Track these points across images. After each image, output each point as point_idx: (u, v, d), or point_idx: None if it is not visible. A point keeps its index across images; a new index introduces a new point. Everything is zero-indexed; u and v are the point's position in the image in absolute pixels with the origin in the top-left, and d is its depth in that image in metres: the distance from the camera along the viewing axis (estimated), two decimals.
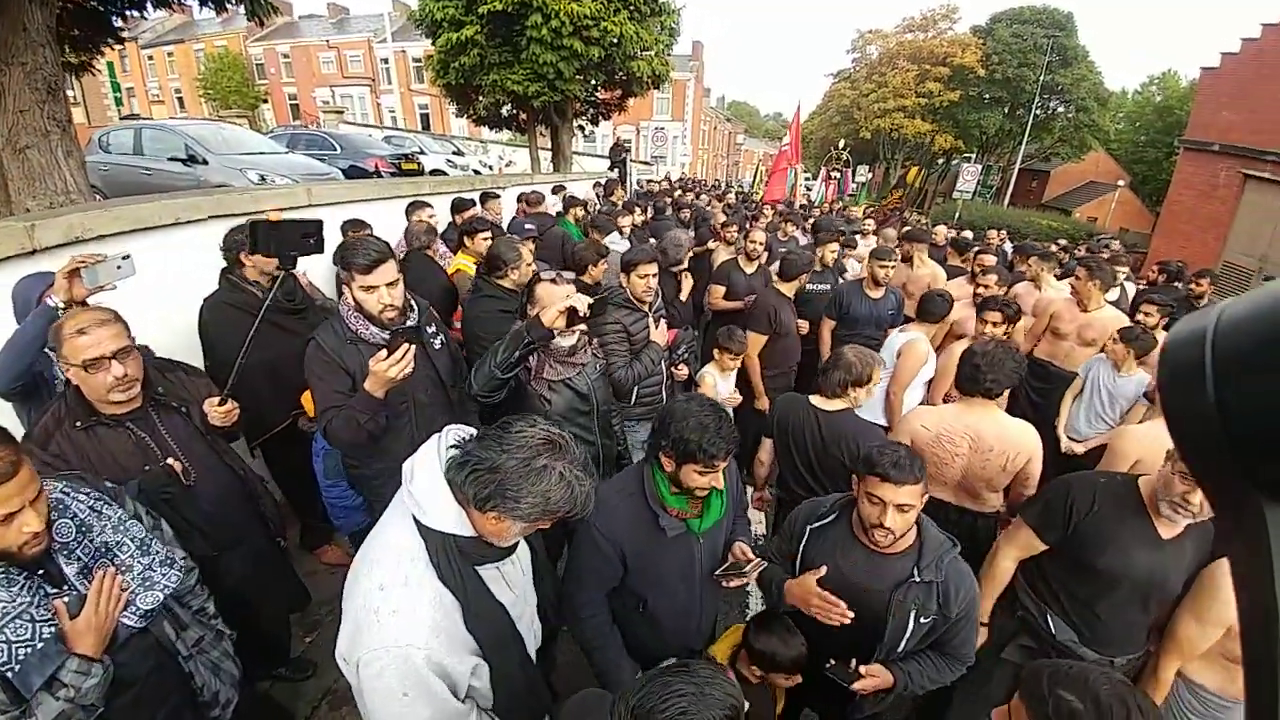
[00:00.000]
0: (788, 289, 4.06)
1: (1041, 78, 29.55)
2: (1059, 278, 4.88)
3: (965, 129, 33.47)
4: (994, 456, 2.43)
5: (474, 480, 1.20)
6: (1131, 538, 1.90)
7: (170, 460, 1.90)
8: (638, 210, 7.07)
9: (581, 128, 14.19)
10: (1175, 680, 1.94)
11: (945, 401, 3.30)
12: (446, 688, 1.25)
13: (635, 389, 2.96)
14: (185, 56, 39.21)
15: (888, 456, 1.64)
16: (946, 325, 4.08)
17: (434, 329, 2.37)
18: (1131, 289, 5.94)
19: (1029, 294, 4.57)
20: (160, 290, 2.98)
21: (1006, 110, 32.92)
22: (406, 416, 2.25)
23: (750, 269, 4.84)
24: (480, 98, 11.73)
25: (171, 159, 7.76)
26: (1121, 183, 29.28)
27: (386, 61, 33.64)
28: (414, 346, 1.95)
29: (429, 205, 4.72)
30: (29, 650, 1.25)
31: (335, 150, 10.85)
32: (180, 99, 40.03)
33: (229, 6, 5.56)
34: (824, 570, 1.75)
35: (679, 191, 12.96)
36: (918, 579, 1.69)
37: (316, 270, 3.96)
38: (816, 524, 1.89)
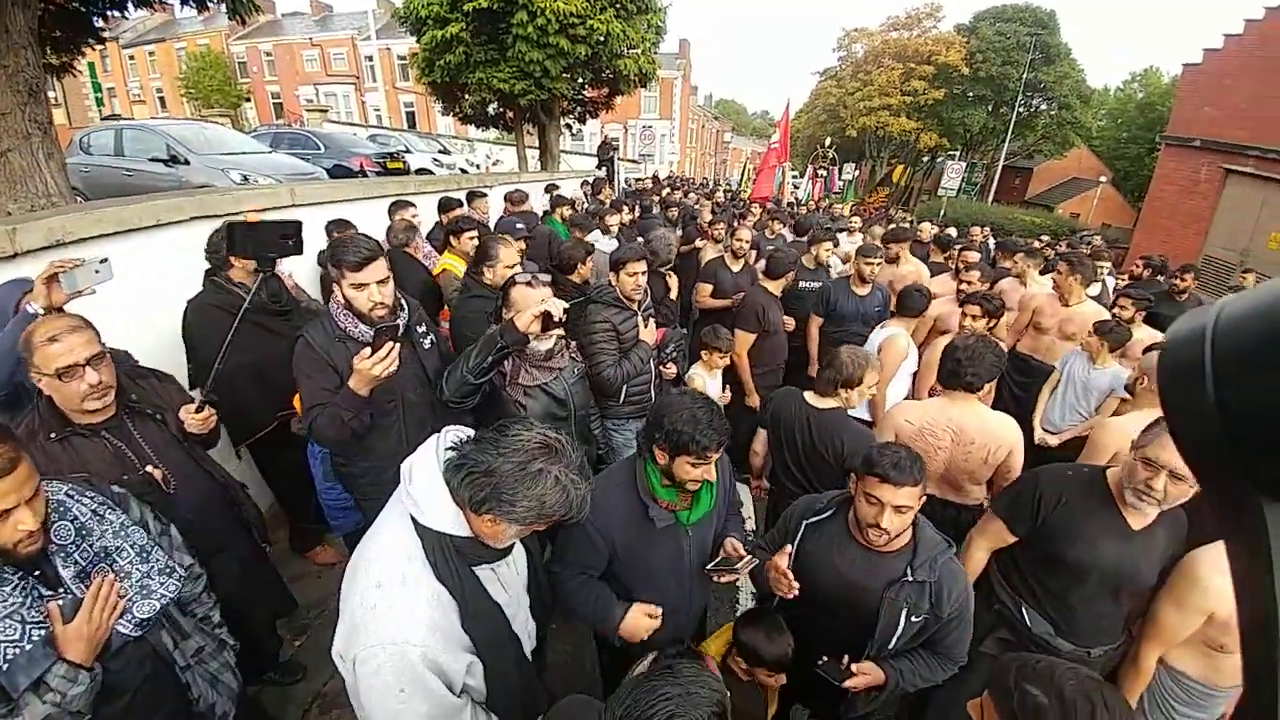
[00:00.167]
0: (774, 287, 4.08)
1: (1025, 75, 29.88)
2: (1042, 273, 4.94)
3: (950, 127, 33.74)
4: (975, 449, 2.47)
5: (470, 483, 1.21)
6: (1099, 529, 1.91)
7: (150, 468, 1.88)
8: (625, 209, 7.07)
9: (569, 126, 14.14)
10: (1157, 668, 1.95)
11: (930, 396, 3.34)
12: (443, 685, 1.26)
13: (624, 388, 2.97)
14: (167, 55, 38.61)
15: (888, 457, 1.65)
16: (929, 321, 4.14)
17: (424, 328, 2.36)
18: (1112, 284, 6.04)
19: (1014, 290, 4.63)
20: (143, 292, 2.95)
21: (990, 108, 33.22)
22: (395, 415, 2.24)
23: (737, 267, 4.86)
24: (466, 96, 11.66)
25: (153, 159, 7.66)
26: (1104, 179, 29.70)
27: (371, 59, 33.27)
28: (398, 345, 1.93)
29: (412, 205, 4.70)
30: (17, 651, 1.24)
31: (319, 149, 10.74)
32: (162, 98, 39.45)
33: (210, 5, 5.49)
34: (789, 549, 1.79)
35: (667, 190, 12.96)
36: (911, 578, 1.71)
37: (302, 273, 3.93)
38: (813, 519, 1.91)
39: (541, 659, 1.76)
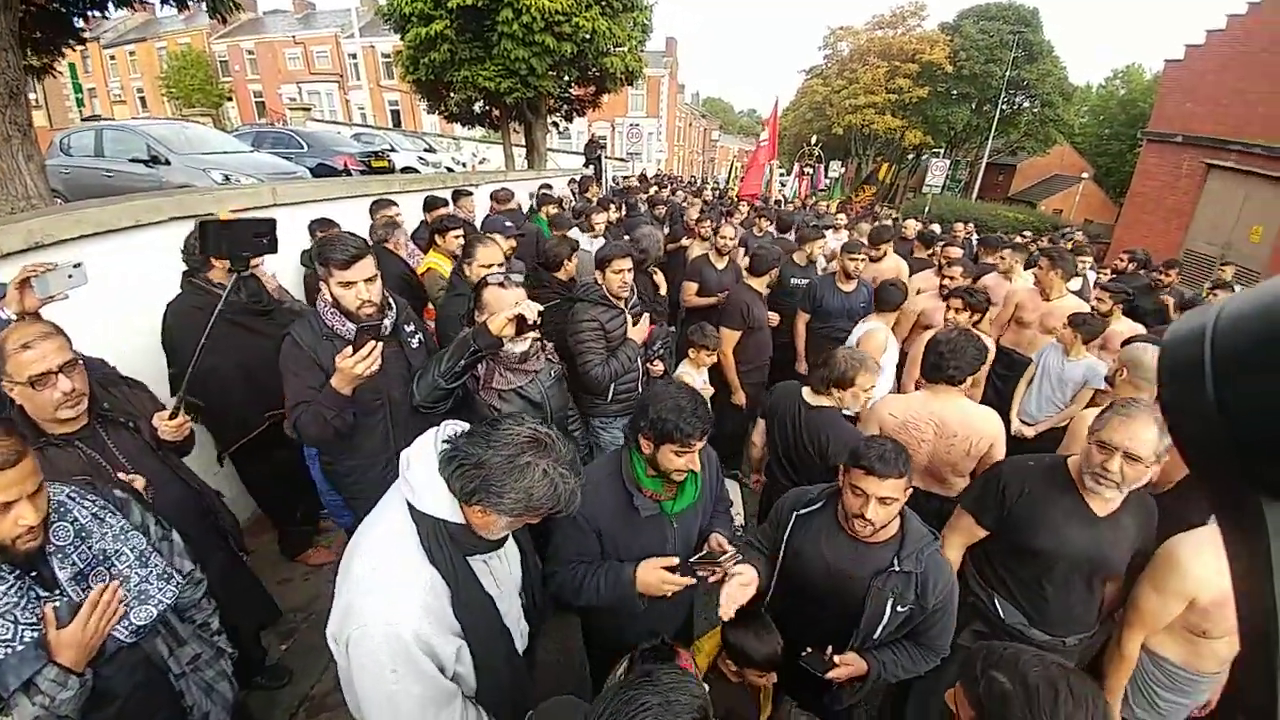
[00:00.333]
0: (758, 284, 4.10)
1: (1007, 73, 30.21)
2: (1025, 267, 5.00)
3: (934, 124, 34.02)
4: (958, 442, 2.50)
5: (460, 474, 1.24)
6: (1064, 517, 1.94)
7: (133, 477, 1.84)
8: (612, 207, 7.06)
9: (556, 124, 14.09)
10: (1140, 654, 1.96)
11: (916, 389, 3.37)
12: (435, 667, 1.28)
13: (612, 386, 2.96)
14: (147, 55, 38.01)
15: (874, 450, 1.67)
16: (912, 316, 4.19)
17: (412, 327, 2.35)
18: (1093, 278, 6.13)
19: (999, 285, 4.68)
20: (123, 293, 2.92)
21: (974, 106, 33.55)
22: (381, 414, 2.23)
23: (721, 265, 4.87)
24: (451, 94, 11.56)
25: (133, 160, 7.56)
26: (1086, 175, 30.10)
27: (355, 57, 32.89)
28: (380, 344, 1.92)
29: (394, 204, 4.65)
30: (8, 651, 1.23)
31: (302, 148, 10.60)
32: (143, 98, 38.87)
33: (190, 4, 5.43)
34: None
35: (654, 188, 12.96)
36: (897, 568, 1.73)
37: (285, 273, 3.89)
38: (803, 510, 1.94)
39: (531, 657, 1.76)
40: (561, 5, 9.36)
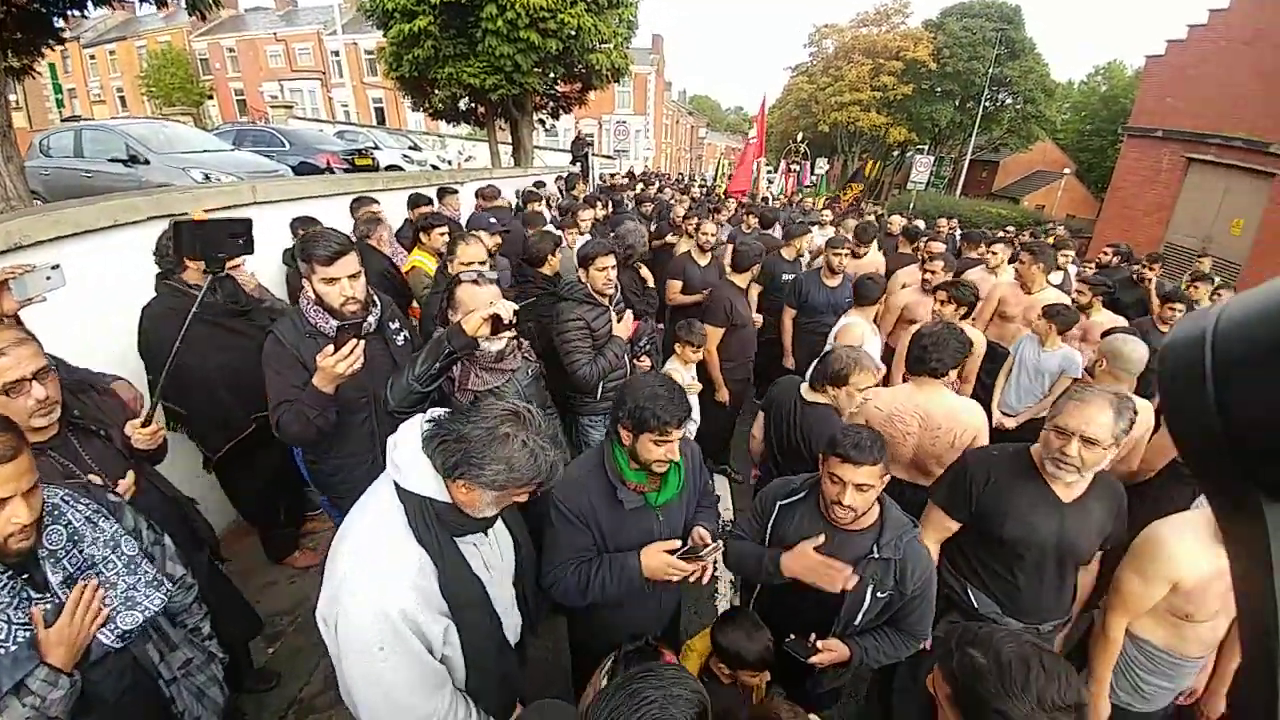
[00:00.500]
0: (741, 280, 4.11)
1: (990, 70, 30.53)
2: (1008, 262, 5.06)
3: (918, 121, 34.27)
4: (942, 434, 2.52)
5: (442, 450, 1.28)
6: (1029, 504, 1.97)
7: (128, 479, 1.82)
8: (599, 205, 7.04)
9: (542, 121, 14.01)
10: (1124, 638, 1.98)
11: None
12: (422, 646, 1.30)
13: (601, 384, 2.95)
14: (127, 54, 37.45)
15: (850, 438, 1.71)
16: (896, 310, 4.25)
17: (397, 325, 2.33)
18: (1075, 271, 6.21)
19: (983, 280, 4.72)
20: (100, 294, 2.87)
21: (957, 103, 33.84)
22: (366, 412, 2.21)
23: (704, 261, 4.86)
24: (436, 91, 11.45)
25: (112, 160, 7.50)
26: (1068, 171, 30.44)
27: (337, 54, 32.50)
28: (362, 342, 1.90)
29: (375, 201, 4.60)
30: (1, 652, 1.23)
31: (284, 146, 10.50)
32: (123, 98, 38.31)
33: (170, 1, 5.35)
34: (821, 539, 1.80)
35: (641, 185, 12.94)
36: (877, 555, 1.76)
37: (266, 271, 3.84)
38: (785, 500, 1.96)
39: (523, 652, 1.76)
40: (546, 2, 9.30)
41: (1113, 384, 2.65)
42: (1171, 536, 1.84)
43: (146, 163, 7.39)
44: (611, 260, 2.95)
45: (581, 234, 4.98)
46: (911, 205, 22.85)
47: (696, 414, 3.70)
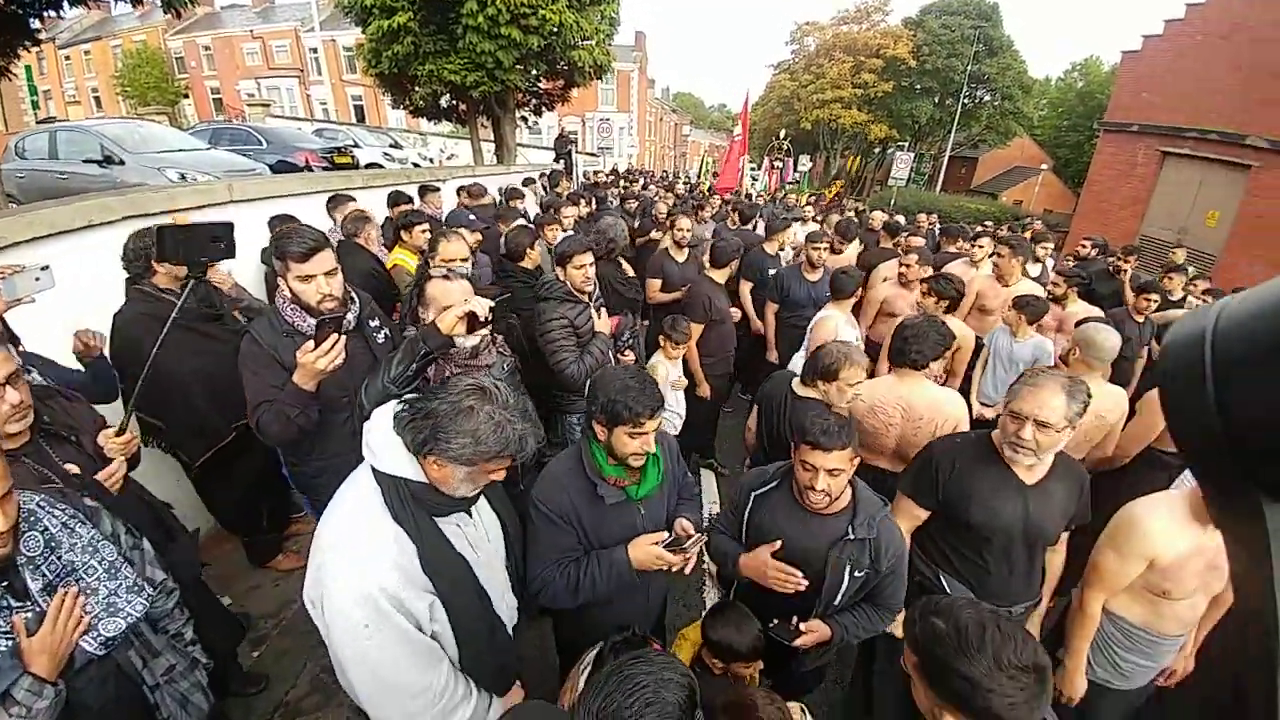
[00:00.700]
0: (720, 276, 4.12)
1: (969, 67, 30.88)
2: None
3: (899, 118, 34.59)
4: (924, 424, 2.56)
5: (411, 427, 1.30)
6: (992, 489, 2.01)
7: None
8: (583, 202, 7.03)
9: (525, 119, 13.95)
10: (1102, 616, 2.02)
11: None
12: (408, 623, 1.32)
13: (588, 382, 2.93)
14: (102, 54, 36.68)
15: (818, 425, 1.74)
16: (875, 303, 4.33)
17: (377, 322, 2.31)
18: (1053, 264, 6.33)
19: (964, 273, 4.79)
20: (75, 295, 2.81)
21: (937, 99, 34.20)
22: (348, 412, 2.17)
23: (682, 258, 4.83)
24: (416, 88, 11.34)
25: (87, 161, 7.40)
26: (1045, 166, 30.94)
27: (315, 51, 32.13)
28: (343, 337, 1.88)
29: (352, 199, 4.53)
30: None
31: (261, 145, 10.37)
32: (97, 98, 37.53)
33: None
34: (779, 545, 1.84)
35: (625, 183, 12.94)
36: (852, 536, 1.80)
37: (245, 271, 3.80)
38: (760, 490, 1.99)
39: (518, 637, 1.76)
40: None
41: (1086, 372, 2.71)
42: (1148, 515, 1.89)
43: (121, 163, 7.31)
44: (589, 258, 2.92)
45: (565, 230, 4.97)
46: (892, 201, 23.08)
47: (683, 409, 3.73)
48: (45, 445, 1.77)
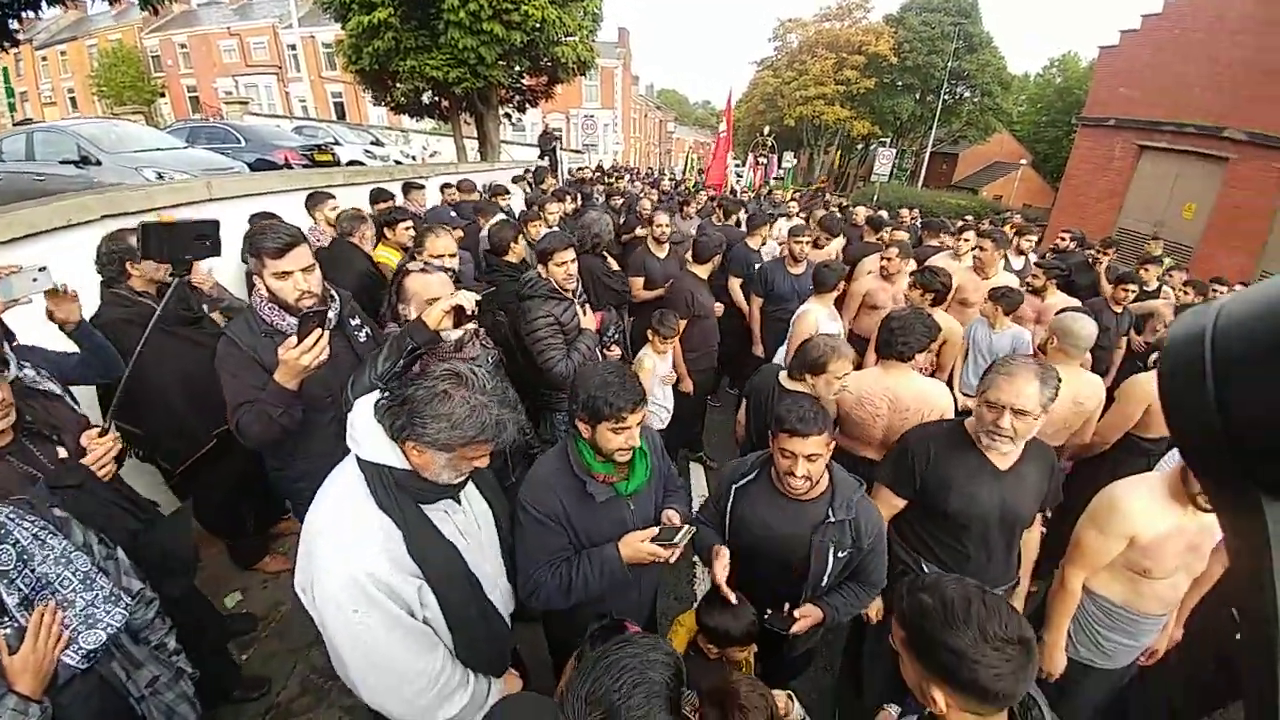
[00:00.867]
0: (702, 271, 4.13)
1: (949, 64, 31.21)
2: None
3: (880, 115, 34.88)
4: (911, 415, 2.59)
5: (389, 414, 1.32)
6: (968, 475, 2.05)
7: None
8: (568, 199, 7.01)
9: (508, 115, 13.86)
10: (1082, 596, 2.05)
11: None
12: (398, 607, 1.32)
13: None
14: (78, 54, 36.04)
15: (794, 413, 1.77)
16: (858, 297, 4.38)
17: (358, 321, 2.27)
18: (1034, 257, 6.43)
19: (946, 265, 4.85)
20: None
21: (918, 96, 34.54)
22: (332, 412, 2.14)
23: (662, 254, 4.77)
24: (398, 84, 11.22)
25: (64, 161, 7.25)
26: (1024, 161, 31.36)
27: (294, 48, 31.44)
28: (327, 333, 1.85)
29: (331, 197, 4.46)
30: None
31: (240, 143, 10.19)
32: (73, 98, 36.85)
33: None
34: (726, 555, 1.85)
35: (610, 179, 12.91)
36: (833, 518, 1.84)
37: (225, 271, 3.74)
38: (740, 482, 2.01)
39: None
40: None
41: (1064, 360, 2.76)
42: (1128, 494, 1.94)
43: (99, 163, 7.18)
44: (570, 254, 2.89)
45: (549, 226, 4.95)
46: (875, 197, 23.26)
47: (670, 404, 3.74)
48: (29, 444, 1.74)
